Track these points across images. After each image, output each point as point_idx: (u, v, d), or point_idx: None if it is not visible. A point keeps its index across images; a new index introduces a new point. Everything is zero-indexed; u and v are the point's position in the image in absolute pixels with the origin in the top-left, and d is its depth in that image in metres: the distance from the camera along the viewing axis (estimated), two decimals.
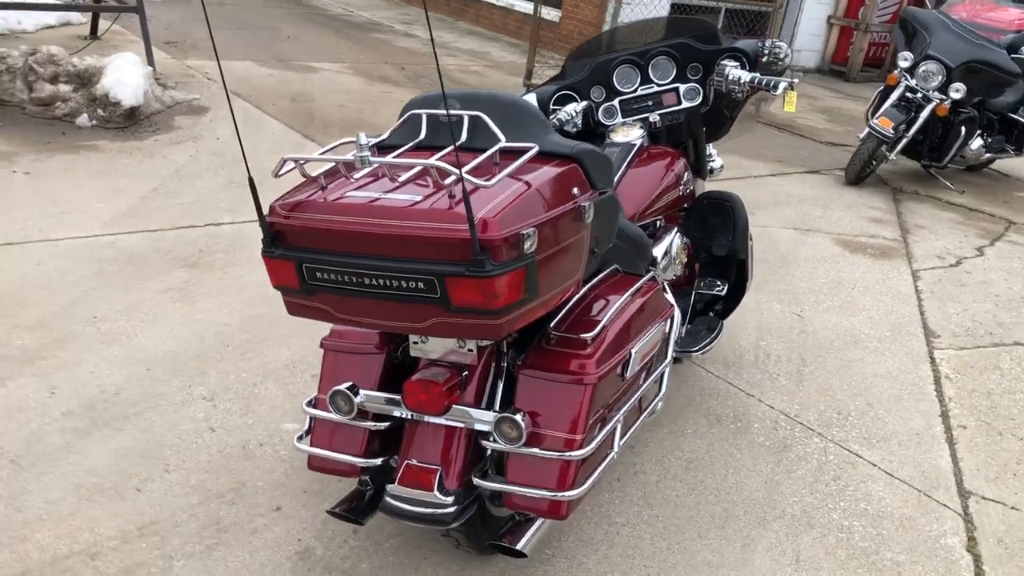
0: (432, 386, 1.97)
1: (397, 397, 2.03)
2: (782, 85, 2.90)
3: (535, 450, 1.95)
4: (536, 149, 1.89)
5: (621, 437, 2.12)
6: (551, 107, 3.06)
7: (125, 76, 5.59)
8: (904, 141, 6.48)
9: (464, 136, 1.97)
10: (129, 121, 5.55)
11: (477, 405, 2.04)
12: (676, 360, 3.06)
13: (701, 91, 3.10)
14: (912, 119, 6.43)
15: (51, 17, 7.73)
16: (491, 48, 10.37)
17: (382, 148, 2.05)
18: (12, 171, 4.62)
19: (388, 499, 2.03)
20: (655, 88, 3.11)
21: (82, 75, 5.60)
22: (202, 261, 3.90)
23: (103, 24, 7.56)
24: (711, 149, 3.39)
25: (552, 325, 2.09)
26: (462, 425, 2.03)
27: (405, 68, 8.50)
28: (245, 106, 6.39)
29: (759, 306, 4.22)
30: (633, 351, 2.14)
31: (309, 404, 2.17)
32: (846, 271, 4.86)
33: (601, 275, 2.32)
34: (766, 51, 3.15)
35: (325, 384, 2.13)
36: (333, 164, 1.87)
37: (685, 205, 3.16)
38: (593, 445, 1.97)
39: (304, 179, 1.89)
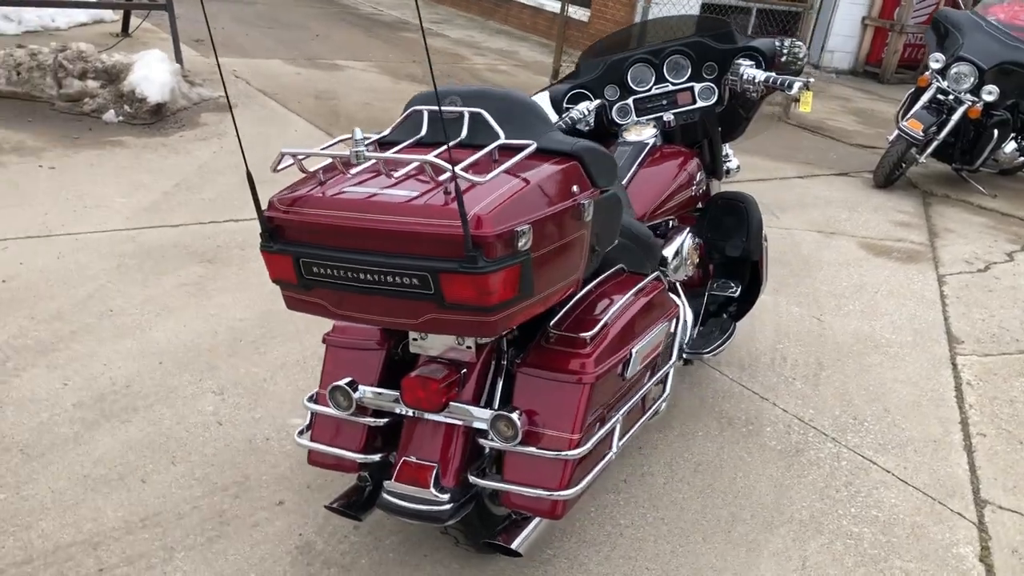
0: (430, 383, 1.97)
1: (396, 393, 2.03)
2: (797, 85, 2.86)
3: (531, 449, 1.94)
4: (534, 146, 1.88)
5: (621, 437, 2.11)
6: (564, 105, 3.04)
7: (152, 73, 5.66)
8: (935, 144, 6.37)
9: (464, 133, 1.96)
10: (155, 117, 5.61)
11: (476, 403, 2.03)
12: (687, 362, 3.03)
13: (716, 90, 3.07)
14: (943, 121, 6.33)
15: (84, 15, 7.85)
16: (520, 47, 10.36)
17: (384, 144, 2.05)
18: (38, 165, 4.69)
19: (385, 495, 2.03)
20: (670, 87, 3.08)
21: (110, 72, 5.68)
22: (219, 256, 3.93)
23: (134, 22, 7.66)
24: (727, 149, 3.36)
25: (552, 324, 2.08)
26: (460, 423, 2.02)
27: (433, 67, 8.51)
28: (270, 103, 6.44)
29: (778, 309, 4.17)
30: (634, 351, 2.12)
31: (310, 399, 2.18)
32: (869, 275, 4.78)
33: (605, 274, 2.30)
34: (785, 51, 3.11)
35: (326, 380, 2.14)
36: (337, 159, 1.87)
37: (699, 205, 3.13)
38: (590, 445, 1.96)
39: (303, 174, 1.90)
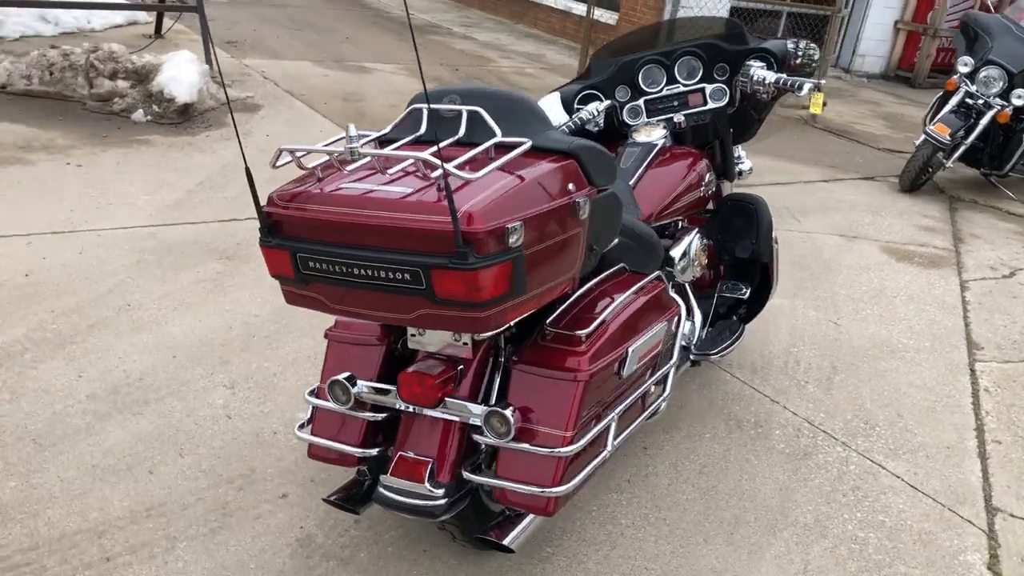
0: (426, 378, 1.99)
1: (393, 388, 2.05)
2: (807, 86, 2.85)
3: (524, 445, 1.95)
4: (529, 144, 1.90)
5: (617, 436, 2.11)
6: (575, 106, 3.05)
7: (181, 73, 5.76)
8: (962, 148, 6.30)
9: (462, 131, 1.98)
10: (183, 117, 5.71)
11: (473, 399, 2.05)
12: (695, 363, 3.02)
13: (728, 92, 3.06)
14: (971, 126, 6.25)
15: (119, 16, 7.99)
16: (547, 51, 10.38)
17: (384, 142, 2.08)
18: (66, 163, 4.79)
19: (381, 489, 2.05)
20: (681, 88, 3.08)
21: (140, 72, 5.79)
22: (238, 253, 3.99)
23: (166, 23, 7.79)
24: (739, 151, 3.34)
25: (549, 321, 2.09)
26: (457, 419, 2.04)
27: (459, 70, 8.56)
28: (297, 104, 6.51)
29: (794, 312, 4.14)
30: (630, 350, 2.12)
31: (311, 394, 2.21)
32: (890, 279, 4.74)
33: (605, 273, 2.31)
34: (800, 53, 3.10)
35: (327, 374, 2.17)
36: (333, 156, 1.90)
37: (710, 207, 3.12)
38: (583, 442, 1.96)
39: (301, 171, 1.93)
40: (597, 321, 2.07)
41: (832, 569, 2.50)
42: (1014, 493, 2.97)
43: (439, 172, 1.71)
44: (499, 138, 1.90)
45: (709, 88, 3.07)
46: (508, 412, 1.92)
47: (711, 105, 3.07)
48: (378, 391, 2.09)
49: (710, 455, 2.96)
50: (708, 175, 3.00)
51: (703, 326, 3.12)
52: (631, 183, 2.78)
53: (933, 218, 6.02)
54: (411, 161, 1.80)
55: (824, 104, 8.21)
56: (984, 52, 6.25)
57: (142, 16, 8.16)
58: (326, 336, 2.24)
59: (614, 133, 3.10)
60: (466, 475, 2.02)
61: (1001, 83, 6.12)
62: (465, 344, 2.03)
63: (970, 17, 6.66)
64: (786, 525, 2.66)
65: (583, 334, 2.03)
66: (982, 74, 6.20)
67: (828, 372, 3.62)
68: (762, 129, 3.28)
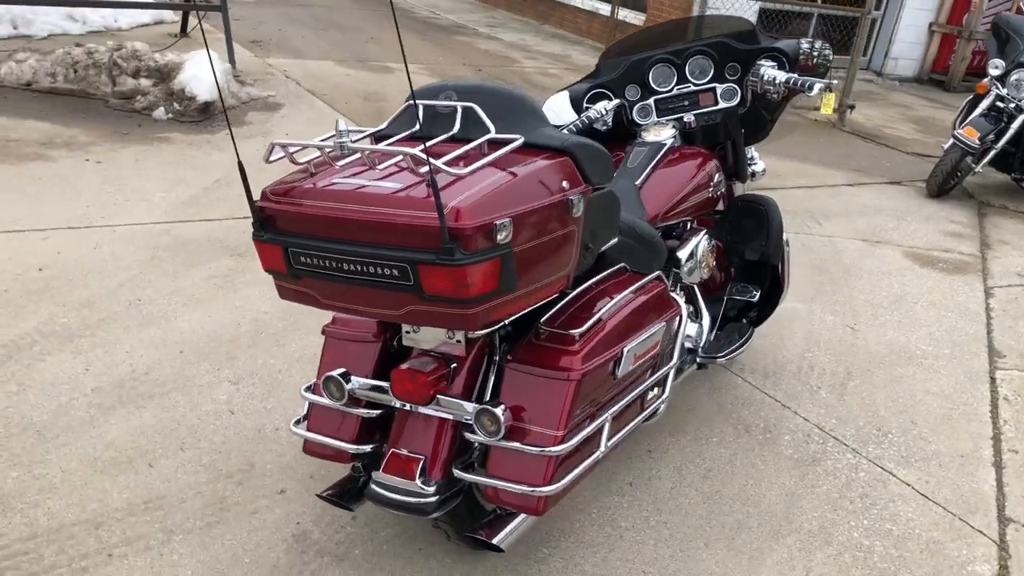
0: (418, 375, 1.98)
1: (387, 385, 2.04)
2: (817, 86, 2.80)
3: (515, 444, 1.93)
4: (521, 140, 1.88)
5: (610, 437, 2.09)
6: (584, 105, 3.03)
7: (202, 72, 5.81)
8: (992, 153, 6.18)
9: (457, 127, 1.97)
10: (203, 115, 5.75)
11: (466, 397, 2.03)
12: (702, 366, 2.98)
13: (739, 91, 3.02)
14: (1002, 130, 6.13)
15: (146, 16, 8.09)
16: (573, 52, 10.35)
17: (380, 138, 2.07)
18: (86, 160, 4.84)
19: (373, 486, 2.04)
20: (691, 88, 3.05)
21: (162, 70, 5.85)
22: (251, 250, 4.00)
23: (191, 22, 7.86)
24: (752, 152, 3.30)
25: (543, 320, 2.07)
26: (450, 416, 2.02)
27: (482, 70, 8.56)
28: (318, 104, 6.54)
29: (811, 317, 4.08)
30: (625, 350, 2.09)
31: (307, 389, 2.21)
32: (912, 285, 4.65)
33: (605, 272, 2.29)
34: (815, 53, 3.05)
35: (323, 370, 2.16)
36: (327, 152, 1.89)
37: (720, 208, 3.09)
38: (574, 442, 1.94)
39: (293, 166, 1.92)
40: (592, 320, 2.05)
41: None
42: None
43: (426, 168, 1.70)
44: (492, 134, 1.89)
45: (720, 88, 3.03)
46: (499, 411, 1.91)
47: (722, 105, 3.04)
48: (372, 388, 2.08)
49: (716, 459, 2.92)
50: (717, 175, 2.96)
51: (711, 329, 3.08)
52: (637, 183, 2.76)
53: (960, 223, 5.91)
54: (400, 157, 1.79)
55: (852, 108, 8.11)
56: (1016, 54, 6.13)
57: (168, 15, 8.25)
58: (323, 332, 2.24)
59: (624, 133, 3.07)
60: (457, 473, 2.00)
61: None
62: (459, 342, 2.02)
63: (1002, 19, 6.54)
64: (790, 531, 2.62)
65: (576, 333, 2.01)
66: (1013, 77, 6.08)
67: (842, 378, 3.56)
68: (775, 130, 3.23)
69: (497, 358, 2.10)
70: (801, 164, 6.89)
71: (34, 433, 2.62)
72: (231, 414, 2.83)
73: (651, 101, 3.05)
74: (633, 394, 2.20)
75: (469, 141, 1.87)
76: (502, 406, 1.93)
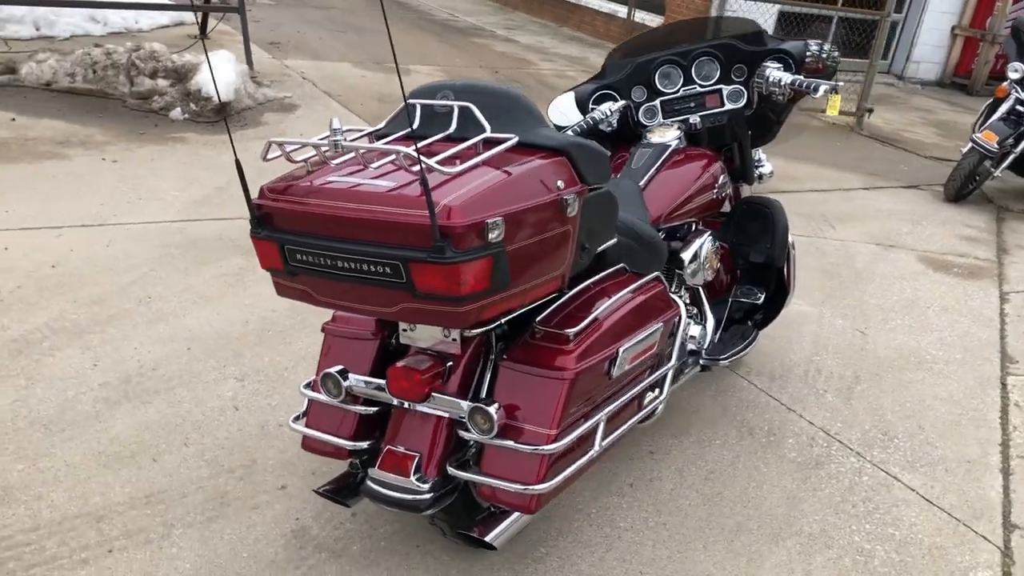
0: (413, 373, 1.99)
1: (383, 382, 2.06)
2: (823, 88, 2.79)
3: (508, 442, 1.94)
4: (515, 139, 1.89)
5: (605, 437, 2.09)
6: (590, 106, 3.03)
7: (219, 73, 5.85)
8: (1011, 157, 6.12)
9: (454, 126, 1.98)
10: (219, 116, 5.80)
11: (462, 395, 2.04)
12: (705, 368, 2.98)
13: (745, 93, 3.02)
14: (1021, 134, 6.07)
15: (166, 17, 8.17)
16: (590, 54, 10.34)
17: (379, 137, 2.09)
18: (102, 159, 4.90)
19: (368, 482, 2.06)
20: (698, 89, 3.04)
21: (179, 71, 5.90)
22: None
23: (210, 23, 7.92)
24: (760, 154, 3.29)
25: (539, 319, 2.08)
26: (445, 414, 2.04)
27: (498, 72, 8.58)
28: (333, 104, 6.58)
29: (820, 320, 4.06)
30: (621, 350, 2.09)
31: (307, 386, 2.23)
32: (924, 290, 4.62)
33: (603, 273, 2.29)
34: (824, 55, 3.05)
35: (322, 367, 2.18)
36: (322, 150, 1.91)
37: (725, 209, 3.08)
38: (567, 441, 1.94)
39: (290, 165, 1.94)
40: (587, 320, 2.05)
41: None
42: None
43: (423, 167, 1.71)
44: (488, 134, 1.90)
45: (726, 89, 3.03)
46: (492, 409, 1.92)
47: (728, 106, 3.03)
48: (369, 385, 2.10)
49: (718, 461, 2.91)
50: (722, 177, 2.95)
51: (716, 331, 3.07)
52: (641, 184, 2.76)
53: (977, 228, 5.86)
54: (397, 156, 1.80)
55: (870, 111, 8.05)
56: None
57: (188, 17, 8.33)
58: (323, 330, 2.26)
59: (630, 134, 3.08)
60: (451, 471, 2.02)
61: None
62: (454, 340, 2.03)
63: (1021, 22, 6.48)
64: (790, 534, 2.61)
65: (571, 332, 2.01)
66: None
67: (850, 382, 3.54)
68: (782, 132, 3.23)
69: (493, 357, 2.11)
70: (816, 167, 6.85)
71: (40, 427, 2.66)
72: (235, 410, 2.85)
73: (657, 102, 3.06)
74: (629, 394, 2.20)
75: (465, 140, 1.89)
76: (496, 404, 1.94)
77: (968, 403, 3.49)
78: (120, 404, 2.81)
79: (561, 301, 2.14)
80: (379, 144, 1.91)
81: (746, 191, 3.32)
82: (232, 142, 1.94)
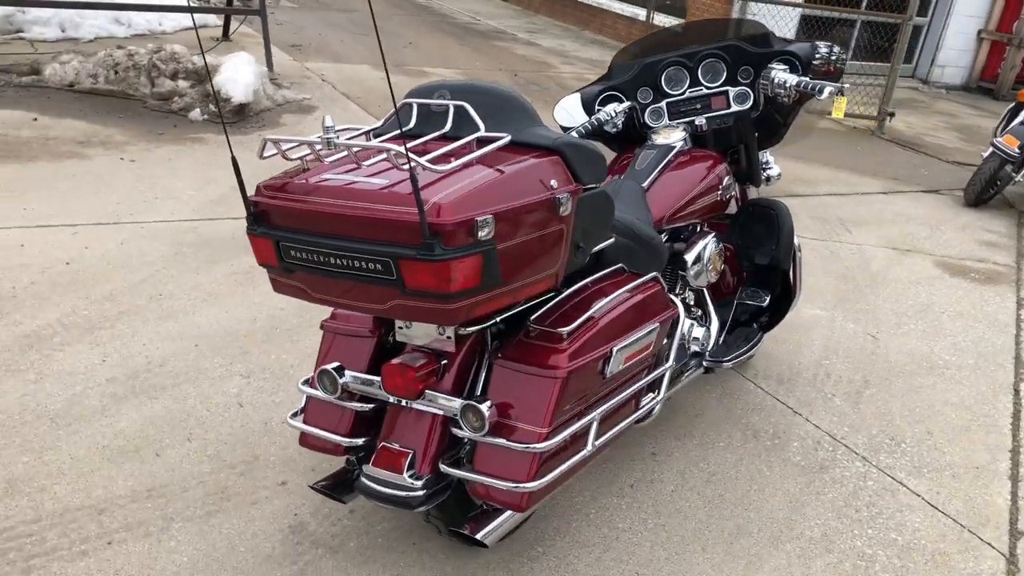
0: (407, 370, 2.00)
1: (378, 379, 2.07)
2: (828, 90, 2.77)
3: (500, 440, 1.95)
4: (507, 139, 1.90)
5: (599, 436, 2.09)
6: (596, 107, 3.04)
7: (238, 74, 5.91)
8: None
9: (449, 125, 1.99)
10: (238, 117, 5.86)
11: (457, 393, 2.05)
12: (709, 370, 2.97)
13: (752, 95, 3.01)
14: None
15: (189, 20, 8.25)
16: (611, 57, 10.33)
17: (376, 136, 2.10)
18: (120, 158, 4.97)
19: (363, 479, 2.07)
20: (704, 91, 3.04)
21: (199, 72, 5.97)
22: None
23: (232, 26, 8.01)
24: (767, 156, 3.28)
25: (534, 318, 2.08)
26: (440, 412, 2.05)
27: (518, 75, 8.59)
28: (351, 106, 6.63)
29: (832, 324, 4.03)
30: (615, 349, 2.09)
31: (304, 383, 2.25)
32: (940, 294, 4.57)
33: (601, 272, 2.29)
34: (834, 57, 3.03)
35: (319, 364, 2.20)
36: (316, 148, 1.93)
37: (731, 211, 3.07)
38: (559, 439, 1.95)
39: (285, 162, 1.97)
40: (581, 319, 2.05)
41: None
42: None
43: (414, 165, 1.73)
44: (481, 133, 1.91)
45: (733, 91, 3.02)
46: (483, 407, 1.92)
47: (734, 108, 3.02)
48: (364, 382, 2.11)
49: (721, 464, 2.90)
50: (727, 179, 2.94)
51: (720, 333, 3.06)
52: (645, 185, 2.76)
53: (997, 233, 5.79)
54: (392, 154, 1.82)
55: (892, 115, 7.97)
56: None
57: (212, 19, 8.42)
58: (322, 327, 2.28)
59: (636, 135, 3.08)
60: (444, 468, 2.02)
61: None
62: (449, 338, 2.04)
63: None
64: (790, 538, 2.59)
65: (564, 331, 2.02)
66: None
67: (859, 386, 3.52)
68: (789, 134, 3.21)
69: (488, 355, 2.12)
70: (835, 171, 6.81)
71: (47, 420, 2.70)
72: (240, 407, 2.88)
73: (663, 104, 3.05)
74: (624, 394, 2.19)
75: (460, 139, 1.90)
76: (488, 402, 1.95)
77: (979, 409, 3.45)
78: (127, 399, 2.85)
79: (557, 300, 2.14)
80: (369, 142, 1.92)
81: (753, 193, 3.30)
82: (228, 141, 1.97)
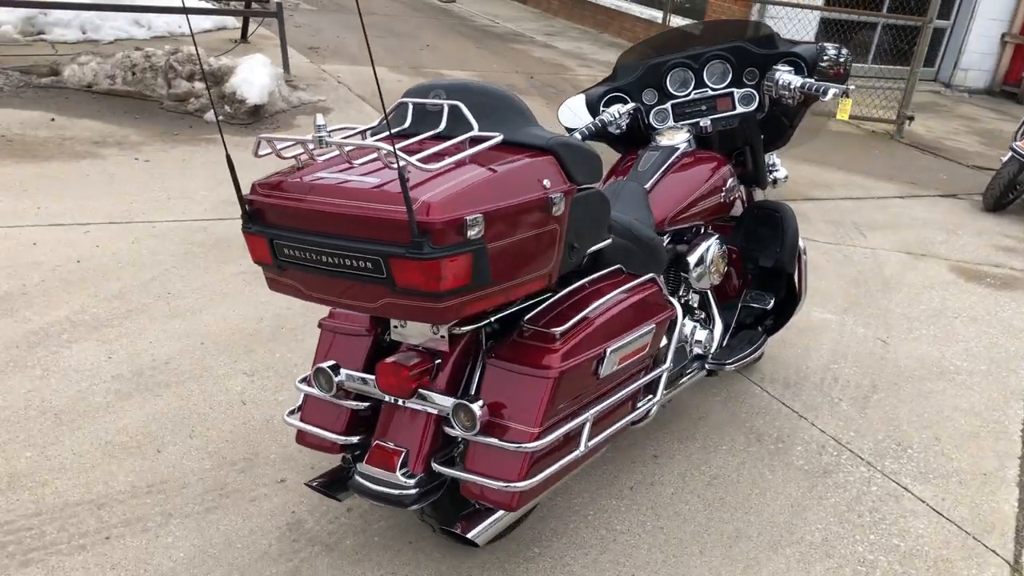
0: (401, 369, 2.01)
1: (373, 378, 2.08)
2: (832, 92, 2.75)
3: (491, 439, 1.95)
4: (499, 138, 1.90)
5: (592, 437, 2.08)
6: (600, 108, 3.03)
7: (253, 76, 5.96)
8: None
9: (443, 125, 2.00)
10: (253, 118, 5.90)
11: (451, 393, 2.05)
12: (711, 372, 2.95)
13: (757, 97, 2.99)
14: None
15: (208, 22, 8.33)
16: None
17: (373, 135, 2.11)
18: (135, 158, 5.02)
19: (356, 477, 2.08)
20: (709, 92, 3.02)
21: (215, 74, 6.02)
22: None
23: (250, 27, 8.07)
24: (774, 158, 3.26)
25: (528, 318, 2.08)
26: (434, 411, 2.05)
27: (534, 77, 8.60)
28: (366, 108, 6.67)
29: (841, 328, 4.00)
30: (609, 350, 2.09)
31: (302, 381, 2.26)
32: (953, 299, 4.53)
33: (599, 273, 2.28)
34: (842, 59, 3.01)
35: (316, 362, 2.21)
36: (308, 147, 1.94)
37: (735, 213, 3.06)
38: (550, 439, 1.94)
39: (280, 161, 1.98)
40: (574, 319, 2.05)
41: None
42: None
43: (402, 163, 1.73)
44: (475, 132, 1.91)
45: (738, 93, 3.00)
46: (475, 406, 1.92)
47: (740, 110, 3.01)
48: (359, 380, 2.12)
49: (722, 467, 2.89)
50: (730, 181, 2.93)
51: (724, 335, 3.04)
52: (647, 186, 2.75)
53: (1015, 238, 5.73)
54: (384, 153, 1.82)
55: (911, 119, 7.90)
56: None
57: (231, 21, 8.48)
58: (319, 325, 2.29)
59: (641, 137, 3.07)
60: (436, 467, 2.03)
61: None
62: (443, 337, 2.04)
63: None
64: (790, 542, 2.57)
65: (557, 331, 2.01)
66: None
67: (866, 391, 3.48)
68: (796, 136, 3.19)
69: (482, 354, 2.12)
70: (851, 175, 6.76)
71: (52, 416, 2.73)
72: (243, 404, 2.90)
73: (668, 105, 3.04)
74: (619, 395, 2.19)
75: (453, 139, 1.91)
76: (479, 402, 1.95)
77: (989, 415, 3.41)
78: (131, 396, 2.87)
79: (552, 300, 2.14)
80: (358, 141, 1.93)
81: (759, 195, 3.29)
82: (223, 140, 1.97)
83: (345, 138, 2.03)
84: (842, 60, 3.01)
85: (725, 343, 3.05)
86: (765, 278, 3.16)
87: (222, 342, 3.25)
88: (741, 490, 2.79)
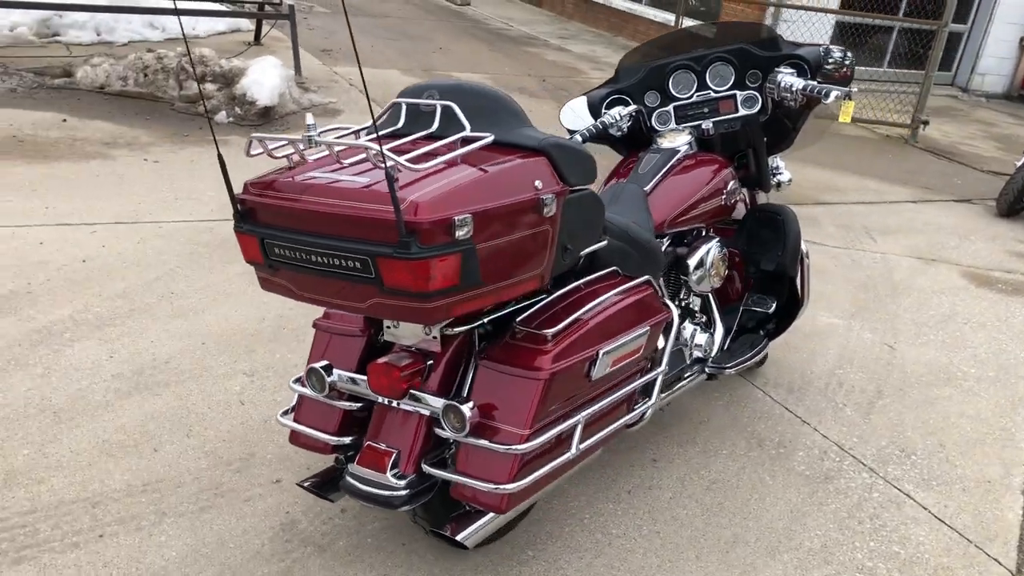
0: (392, 370, 2.00)
1: (365, 378, 2.07)
2: (834, 94, 2.73)
3: (481, 441, 1.94)
4: (490, 138, 1.89)
5: (584, 440, 2.07)
6: (602, 110, 3.02)
7: (263, 78, 5.98)
8: None
9: (436, 125, 1.99)
10: (263, 119, 5.92)
11: (442, 394, 2.05)
12: (712, 376, 2.93)
13: (760, 99, 2.97)
14: None
15: (222, 24, 8.38)
16: None
17: (368, 135, 2.11)
18: (144, 159, 5.04)
19: (347, 477, 2.08)
20: (712, 94, 3.01)
21: (226, 75, 6.05)
22: None
23: (263, 30, 8.11)
24: (777, 161, 3.23)
25: (520, 319, 2.07)
26: (425, 412, 2.04)
27: (546, 80, 8.59)
28: (377, 110, 6.64)
29: (848, 333, 3.97)
30: (601, 352, 2.07)
31: (295, 381, 2.26)
32: (963, 305, 4.48)
33: (594, 275, 2.27)
34: (847, 62, 2.99)
35: (310, 363, 2.21)
36: (298, 146, 1.95)
37: (737, 216, 3.03)
38: (540, 441, 1.93)
39: (272, 160, 1.98)
40: (566, 321, 2.04)
41: None
42: None
43: (391, 163, 1.73)
44: (467, 132, 1.91)
45: (740, 95, 2.98)
46: (465, 407, 1.92)
47: (742, 112, 2.99)
48: (351, 381, 2.12)
49: (722, 472, 2.86)
50: (732, 183, 2.91)
51: (725, 339, 3.02)
52: (647, 189, 2.73)
53: None
54: (374, 154, 1.82)
55: (926, 123, 7.84)
56: None
57: (244, 24, 8.53)
58: (314, 325, 2.29)
59: (643, 139, 3.05)
60: (426, 468, 2.02)
61: None
62: (435, 338, 2.04)
63: None
64: (789, 548, 2.54)
65: (549, 333, 2.00)
66: None
67: (871, 396, 3.45)
68: (799, 139, 3.17)
69: (475, 356, 2.11)
70: (864, 179, 6.71)
71: (51, 414, 2.74)
72: (241, 404, 2.90)
73: (670, 108, 3.02)
74: (612, 398, 2.17)
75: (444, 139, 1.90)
76: (470, 403, 1.94)
77: (996, 422, 3.37)
78: (130, 395, 2.88)
79: (545, 302, 2.13)
80: (348, 141, 1.93)
81: (762, 198, 3.26)
82: (215, 140, 1.98)
83: (337, 138, 2.03)
84: (847, 62, 2.99)
85: (727, 347, 3.03)
86: (767, 281, 3.14)
87: (223, 342, 3.26)
88: (740, 495, 2.76)
